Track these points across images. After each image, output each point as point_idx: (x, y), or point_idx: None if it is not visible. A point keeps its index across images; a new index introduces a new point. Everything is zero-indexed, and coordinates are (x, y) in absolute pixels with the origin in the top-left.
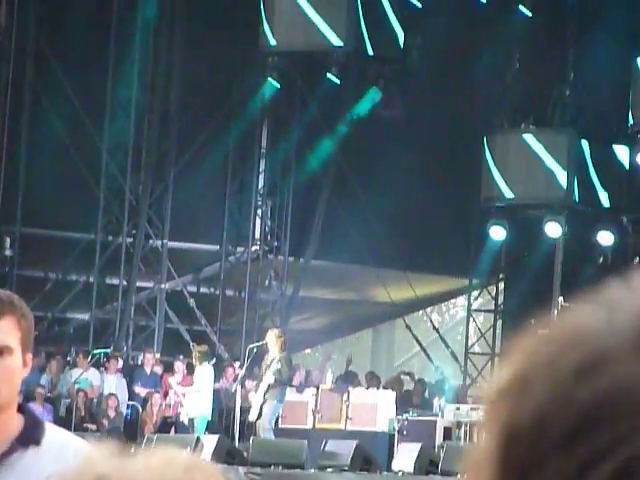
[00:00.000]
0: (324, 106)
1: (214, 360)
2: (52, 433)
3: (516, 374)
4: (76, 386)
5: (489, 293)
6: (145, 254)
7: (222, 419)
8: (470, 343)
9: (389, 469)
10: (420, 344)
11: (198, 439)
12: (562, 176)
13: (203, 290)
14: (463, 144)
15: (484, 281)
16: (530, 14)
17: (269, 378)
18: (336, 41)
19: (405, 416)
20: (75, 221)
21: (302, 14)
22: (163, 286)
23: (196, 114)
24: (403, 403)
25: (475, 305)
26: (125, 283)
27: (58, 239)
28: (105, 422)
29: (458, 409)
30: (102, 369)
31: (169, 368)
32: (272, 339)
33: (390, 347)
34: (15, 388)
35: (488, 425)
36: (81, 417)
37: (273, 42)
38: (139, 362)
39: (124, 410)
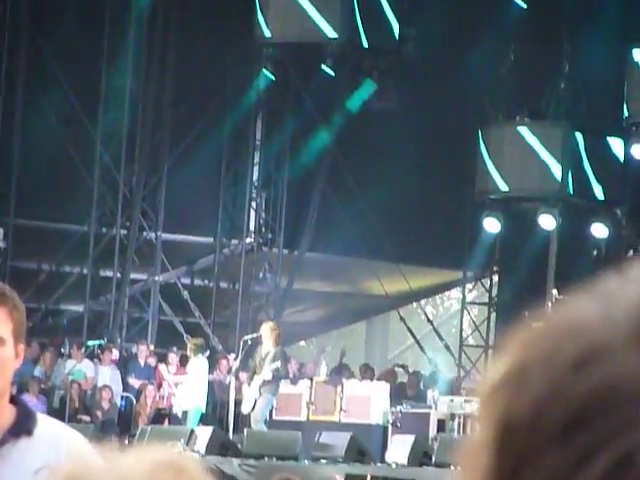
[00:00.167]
0: (318, 98)
1: (208, 352)
2: (44, 424)
3: (513, 367)
4: (70, 378)
5: (483, 286)
6: (139, 246)
7: (216, 411)
8: (464, 335)
9: (383, 461)
10: (414, 336)
11: (192, 431)
12: (556, 169)
13: (197, 282)
14: (457, 136)
15: (478, 274)
16: (525, 6)
17: (266, 374)
18: (330, 32)
19: (399, 408)
20: (69, 213)
21: (296, 5)
22: (157, 278)
23: (190, 106)
24: (397, 395)
25: (469, 297)
26: (119, 275)
27: (52, 231)
28: (99, 414)
29: (452, 401)
30: (96, 361)
31: (163, 360)
32: (267, 332)
33: (384, 339)
34: (7, 379)
35: (484, 417)
36: (75, 408)
37: (267, 33)
38: (133, 354)
39: (118, 402)
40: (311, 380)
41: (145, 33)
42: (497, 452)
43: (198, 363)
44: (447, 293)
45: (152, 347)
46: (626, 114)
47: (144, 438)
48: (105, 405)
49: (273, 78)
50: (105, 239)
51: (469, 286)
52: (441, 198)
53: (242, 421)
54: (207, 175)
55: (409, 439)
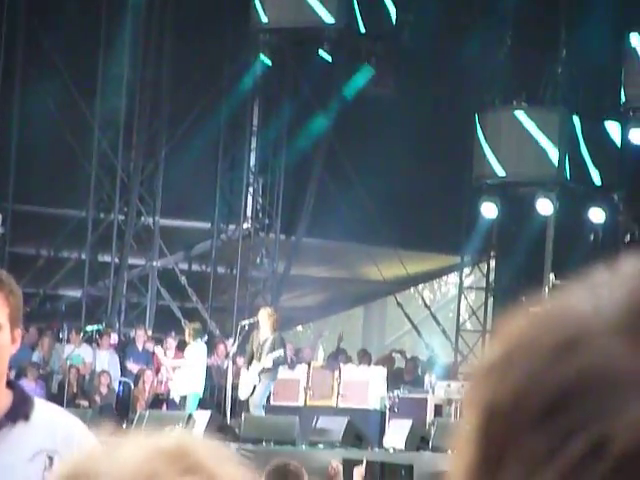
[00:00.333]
0: (316, 83)
1: (206, 337)
2: (41, 408)
3: (498, 353)
4: (68, 363)
5: (480, 270)
6: (137, 231)
7: (213, 396)
8: (461, 320)
9: (380, 445)
10: (411, 322)
11: (190, 415)
12: (553, 154)
13: (195, 267)
14: (454, 121)
15: (475, 258)
16: None
17: (267, 362)
18: (328, 18)
19: (396, 393)
20: (67, 198)
21: None
22: (155, 263)
23: (187, 91)
24: (394, 380)
25: (467, 282)
26: (117, 260)
27: (50, 216)
28: (97, 398)
29: (449, 386)
30: (94, 345)
31: (161, 344)
32: (264, 318)
33: (381, 325)
34: (4, 364)
35: (470, 404)
36: (73, 393)
37: (264, 19)
38: (131, 339)
39: (116, 387)
40: (308, 365)
41: (142, 20)
42: (482, 439)
43: (196, 348)
44: (444, 278)
45: (150, 332)
46: (623, 99)
47: (142, 423)
48: (103, 390)
49: (270, 64)
50: (103, 225)
51: (466, 271)
52: (438, 183)
53: (240, 406)
54: (204, 161)
55: (406, 424)
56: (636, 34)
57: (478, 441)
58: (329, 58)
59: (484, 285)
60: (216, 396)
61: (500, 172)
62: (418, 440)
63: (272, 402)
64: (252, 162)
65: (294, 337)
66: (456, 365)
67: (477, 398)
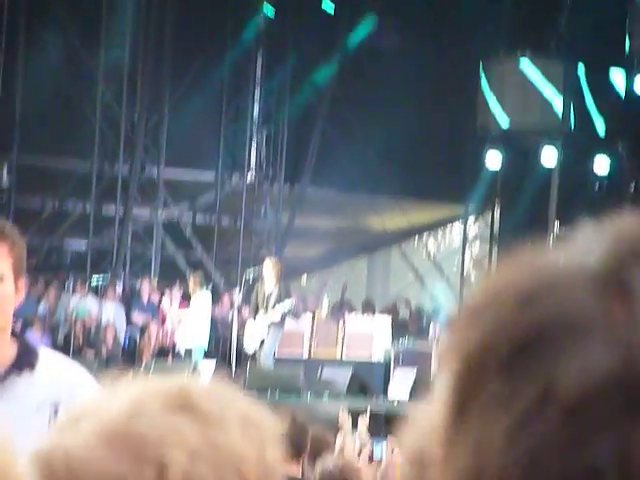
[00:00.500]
0: (319, 34)
1: (211, 287)
2: (46, 358)
3: (475, 300)
4: (74, 315)
5: (485, 220)
6: (141, 183)
7: (218, 347)
8: (466, 270)
9: (385, 396)
10: (416, 272)
11: (195, 366)
12: (558, 103)
13: (199, 219)
14: (459, 71)
15: (480, 208)
16: None
17: (276, 314)
18: None
19: (401, 343)
20: (71, 150)
21: None
22: (159, 215)
23: (191, 42)
24: (399, 331)
25: (471, 232)
26: (121, 212)
27: (55, 168)
28: (103, 350)
29: None
30: (100, 297)
31: (165, 294)
32: (268, 268)
33: (386, 275)
34: (8, 315)
35: (447, 349)
36: (79, 345)
37: None
38: (136, 290)
39: (122, 338)
40: (313, 316)
41: None
42: (455, 385)
43: (200, 298)
44: (448, 228)
45: (155, 283)
46: (628, 48)
47: (148, 374)
48: (109, 341)
49: (273, 15)
50: (107, 176)
51: (470, 221)
52: (442, 133)
53: (245, 356)
54: (208, 112)
55: (411, 375)
56: None
57: (451, 387)
58: (333, 9)
59: (488, 235)
60: (221, 347)
61: (504, 122)
62: (422, 391)
63: (276, 353)
64: (255, 113)
65: (298, 287)
66: None
67: (452, 344)
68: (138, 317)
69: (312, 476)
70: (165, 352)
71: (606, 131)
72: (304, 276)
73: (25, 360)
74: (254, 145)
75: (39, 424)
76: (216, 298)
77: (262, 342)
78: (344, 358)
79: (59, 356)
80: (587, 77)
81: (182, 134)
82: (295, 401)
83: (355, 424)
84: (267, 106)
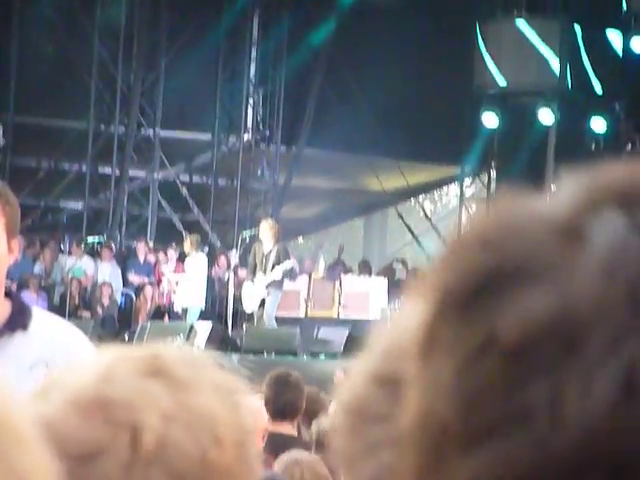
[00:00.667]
0: None
1: (207, 248)
2: (40, 318)
3: (448, 246)
4: (70, 275)
5: (481, 181)
6: (137, 143)
7: (215, 307)
8: (462, 231)
9: None
10: (412, 232)
11: (192, 327)
12: (555, 63)
13: (195, 179)
14: (455, 32)
15: (476, 169)
16: None
17: (276, 274)
18: None
19: (397, 303)
20: (67, 110)
21: None
22: (155, 175)
23: (187, 2)
24: (395, 291)
25: (468, 193)
26: (117, 172)
27: (50, 128)
28: (99, 310)
29: None
30: (96, 257)
31: (162, 256)
32: (265, 229)
33: (382, 236)
34: (1, 274)
35: (412, 297)
36: (75, 305)
37: None
38: (132, 251)
39: (118, 298)
40: (309, 276)
41: None
42: (419, 331)
43: (197, 260)
44: (445, 189)
45: (151, 244)
46: (625, 8)
47: (144, 334)
48: (105, 301)
49: None
50: (103, 136)
51: (467, 182)
52: (439, 93)
53: (241, 317)
54: (204, 72)
55: None
56: None
57: (417, 331)
58: None
59: (485, 195)
60: (217, 307)
61: (501, 82)
62: None
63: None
64: (252, 73)
65: (295, 248)
66: None
67: (419, 289)
68: (134, 278)
69: (308, 436)
70: (161, 312)
71: (603, 91)
72: (300, 237)
73: (18, 320)
74: (250, 105)
75: (33, 384)
76: (212, 259)
77: (262, 302)
78: (340, 317)
79: (52, 316)
80: (584, 37)
81: (178, 94)
82: (291, 361)
83: None
84: (264, 66)
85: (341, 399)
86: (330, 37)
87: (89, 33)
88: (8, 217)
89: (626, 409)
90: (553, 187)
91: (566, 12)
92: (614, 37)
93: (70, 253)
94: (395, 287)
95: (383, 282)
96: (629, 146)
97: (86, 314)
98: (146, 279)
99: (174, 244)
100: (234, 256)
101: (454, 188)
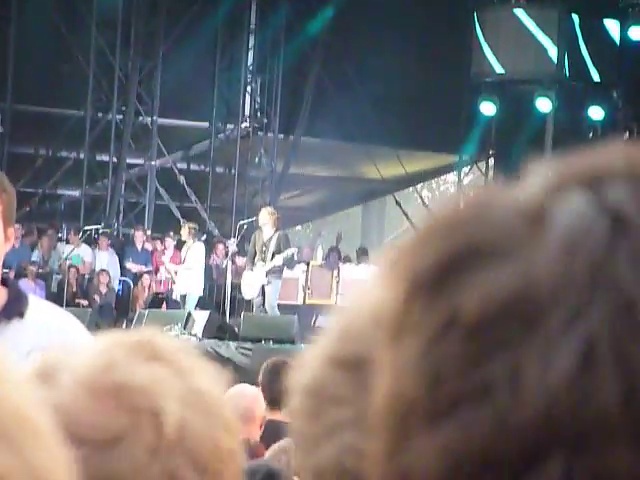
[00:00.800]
0: None
1: (204, 237)
2: (36, 306)
3: (416, 233)
4: (67, 262)
5: (479, 169)
6: (135, 131)
7: (213, 295)
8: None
9: None
10: (410, 221)
11: (189, 315)
12: (552, 51)
13: (193, 167)
14: (453, 19)
15: (474, 157)
16: None
17: (277, 260)
18: None
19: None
20: (65, 98)
21: None
22: (153, 163)
23: None
24: None
25: (465, 181)
26: (115, 160)
27: (48, 116)
28: (97, 298)
29: None
30: (94, 245)
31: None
32: (265, 217)
33: (380, 224)
34: None
35: (385, 280)
36: (73, 293)
37: None
38: (130, 239)
39: (116, 286)
40: (307, 264)
41: None
42: (389, 314)
43: (194, 249)
44: (443, 177)
45: (149, 232)
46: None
47: (142, 322)
48: (103, 289)
49: None
50: (101, 124)
51: (465, 170)
52: (437, 82)
53: (239, 305)
54: (202, 60)
55: None
56: None
57: (388, 316)
58: None
59: (483, 183)
60: (215, 296)
61: (499, 70)
62: None
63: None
64: (250, 61)
65: (293, 236)
66: None
67: (391, 271)
68: (132, 265)
69: None
70: (159, 300)
71: (601, 79)
72: (299, 225)
73: (15, 307)
74: (248, 93)
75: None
76: (210, 247)
77: (262, 290)
78: (339, 305)
79: (48, 304)
80: (581, 25)
81: (176, 82)
82: (289, 349)
83: None
84: (261, 54)
85: (298, 383)
86: (328, 25)
87: (87, 21)
88: (4, 205)
89: (585, 380)
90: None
91: (563, 1)
92: (612, 25)
93: (68, 241)
94: None
95: None
96: (626, 134)
97: (84, 302)
98: (144, 267)
99: (172, 232)
100: (232, 244)
101: (452, 176)
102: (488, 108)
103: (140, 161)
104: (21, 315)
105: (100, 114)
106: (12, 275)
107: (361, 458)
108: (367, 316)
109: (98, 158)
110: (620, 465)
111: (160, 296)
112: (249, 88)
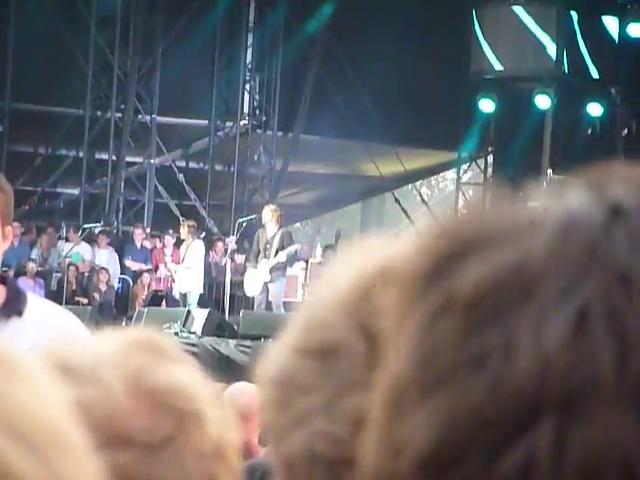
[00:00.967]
0: None
1: (203, 234)
2: (35, 304)
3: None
4: (67, 260)
5: (478, 166)
6: (134, 129)
7: (212, 293)
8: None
9: None
10: (409, 218)
11: (188, 312)
12: (551, 48)
13: (192, 165)
14: (452, 17)
15: (473, 154)
16: None
17: (281, 257)
18: None
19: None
20: (64, 96)
21: None
22: (152, 161)
23: None
24: None
25: (464, 178)
26: (114, 158)
27: (47, 114)
28: (96, 296)
29: None
30: (93, 244)
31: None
32: (268, 215)
33: (379, 221)
34: None
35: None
36: (72, 291)
37: None
38: (129, 237)
39: (115, 284)
40: (307, 262)
41: None
42: (391, 315)
43: (194, 247)
44: (442, 174)
45: (148, 230)
46: None
47: (141, 320)
48: (102, 287)
49: None
50: (100, 122)
51: (464, 167)
52: (436, 79)
53: (238, 302)
54: (201, 58)
55: None
56: None
57: (391, 315)
58: None
59: (482, 181)
60: (214, 293)
61: (498, 67)
62: None
63: (270, 298)
64: (248, 59)
65: (292, 234)
66: None
67: (397, 269)
68: (131, 263)
69: None
70: (159, 297)
71: (599, 76)
72: (298, 223)
73: (13, 306)
74: (247, 91)
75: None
76: (209, 245)
77: (265, 287)
78: None
79: (47, 302)
80: (580, 22)
81: (175, 80)
82: None
83: None
84: (260, 53)
85: (266, 375)
86: (326, 23)
87: (86, 19)
88: (1, 204)
89: (579, 345)
90: (550, 174)
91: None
92: (610, 22)
93: (67, 239)
94: None
95: None
96: (625, 131)
97: (83, 300)
98: (143, 265)
99: (171, 230)
100: (231, 242)
101: (451, 173)
102: (487, 105)
103: (139, 159)
104: (20, 313)
105: (99, 112)
106: (12, 274)
107: (332, 443)
108: (332, 305)
109: (97, 156)
110: (611, 427)
111: (160, 294)
112: (248, 86)
